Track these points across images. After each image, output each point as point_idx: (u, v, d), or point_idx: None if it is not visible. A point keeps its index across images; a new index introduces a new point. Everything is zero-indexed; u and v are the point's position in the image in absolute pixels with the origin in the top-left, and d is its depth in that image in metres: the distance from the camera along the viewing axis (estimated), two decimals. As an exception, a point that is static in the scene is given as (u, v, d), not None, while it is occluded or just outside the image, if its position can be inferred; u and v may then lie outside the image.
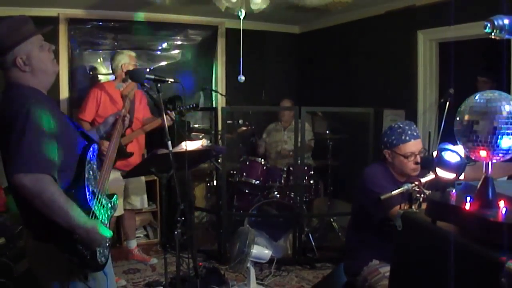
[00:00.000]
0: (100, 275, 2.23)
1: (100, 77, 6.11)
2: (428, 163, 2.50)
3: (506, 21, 1.61)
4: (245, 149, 6.18)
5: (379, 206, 2.79)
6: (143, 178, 4.92)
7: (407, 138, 3.01)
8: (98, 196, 2.23)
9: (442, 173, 2.00)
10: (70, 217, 1.97)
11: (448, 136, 2.11)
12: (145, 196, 4.97)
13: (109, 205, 2.34)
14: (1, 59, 2.12)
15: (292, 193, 5.27)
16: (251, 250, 4.01)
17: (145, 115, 4.77)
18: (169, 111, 4.26)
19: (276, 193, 5.36)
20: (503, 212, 1.66)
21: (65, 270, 2.08)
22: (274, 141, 6.25)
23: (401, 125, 3.07)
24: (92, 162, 2.26)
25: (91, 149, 2.26)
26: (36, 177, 1.92)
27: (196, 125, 6.72)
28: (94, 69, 6.10)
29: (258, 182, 5.39)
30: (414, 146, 3.02)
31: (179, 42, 6.57)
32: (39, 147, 1.96)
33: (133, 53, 4.77)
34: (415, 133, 3.05)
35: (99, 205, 2.22)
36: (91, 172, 2.22)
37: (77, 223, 1.98)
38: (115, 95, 4.44)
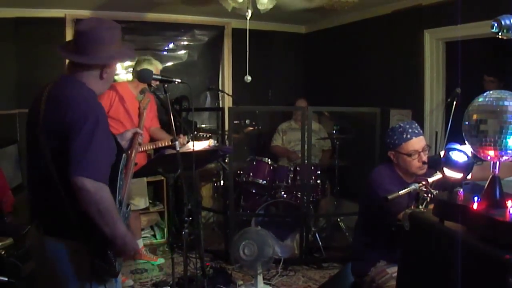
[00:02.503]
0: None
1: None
2: (435, 163, 2.50)
3: (514, 21, 1.61)
4: (252, 149, 6.19)
5: (386, 210, 2.78)
6: (144, 178, 4.92)
7: (409, 136, 3.01)
8: (122, 205, 2.27)
9: (449, 173, 1.99)
10: (117, 227, 2.06)
11: (456, 135, 2.11)
12: (147, 196, 4.99)
13: (126, 214, 2.38)
14: (95, 66, 2.20)
15: (299, 193, 5.26)
16: (274, 250, 4.05)
17: (152, 125, 4.76)
18: (181, 135, 4.28)
19: (283, 193, 5.36)
20: (511, 211, 1.66)
21: (87, 270, 2.12)
22: (291, 140, 6.25)
23: (401, 125, 3.08)
24: (123, 171, 2.31)
25: (123, 158, 2.29)
26: (100, 185, 1.99)
27: (203, 125, 6.73)
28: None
29: (265, 182, 5.38)
30: (416, 143, 3.01)
31: (185, 43, 6.58)
32: (104, 156, 2.06)
33: (160, 65, 4.72)
34: (416, 131, 3.05)
35: (121, 214, 2.26)
36: (120, 182, 2.26)
37: (120, 233, 2.07)
38: (126, 96, 4.44)
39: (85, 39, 2.16)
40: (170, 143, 4.26)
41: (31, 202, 2.27)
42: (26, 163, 2.26)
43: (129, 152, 2.72)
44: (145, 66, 4.49)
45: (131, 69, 6.04)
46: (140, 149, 4.44)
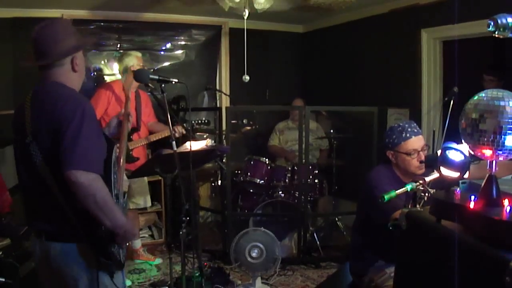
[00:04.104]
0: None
1: (106, 77, 6.12)
2: (432, 162, 2.49)
3: (510, 20, 1.61)
4: (250, 148, 6.18)
5: (381, 211, 2.78)
6: (145, 178, 4.92)
7: (408, 135, 3.00)
8: (118, 198, 2.28)
9: (446, 172, 1.99)
10: (116, 217, 2.07)
11: (453, 134, 2.10)
12: (148, 196, 4.98)
13: (124, 204, 2.39)
14: (61, 58, 2.19)
15: (297, 193, 5.26)
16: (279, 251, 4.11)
17: (150, 120, 4.77)
18: (178, 125, 4.29)
19: (280, 192, 5.36)
20: (507, 210, 1.66)
21: (94, 264, 2.14)
22: (287, 140, 6.25)
23: (400, 124, 3.07)
24: (116, 165, 2.31)
25: (114, 151, 2.30)
26: (93, 176, 2.00)
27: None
28: (98, 70, 6.11)
29: (262, 181, 5.39)
30: (415, 142, 3.00)
31: (182, 42, 6.57)
32: (94, 147, 2.07)
33: (139, 54, 4.73)
34: (415, 130, 3.04)
35: (119, 206, 2.27)
36: (115, 176, 2.27)
37: (120, 223, 2.09)
38: (122, 95, 4.44)
39: (41, 43, 2.17)
40: (169, 133, 4.29)
41: (27, 209, 2.27)
42: (17, 172, 2.26)
43: (120, 138, 2.71)
44: (127, 60, 4.54)
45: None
46: (142, 143, 4.47)
